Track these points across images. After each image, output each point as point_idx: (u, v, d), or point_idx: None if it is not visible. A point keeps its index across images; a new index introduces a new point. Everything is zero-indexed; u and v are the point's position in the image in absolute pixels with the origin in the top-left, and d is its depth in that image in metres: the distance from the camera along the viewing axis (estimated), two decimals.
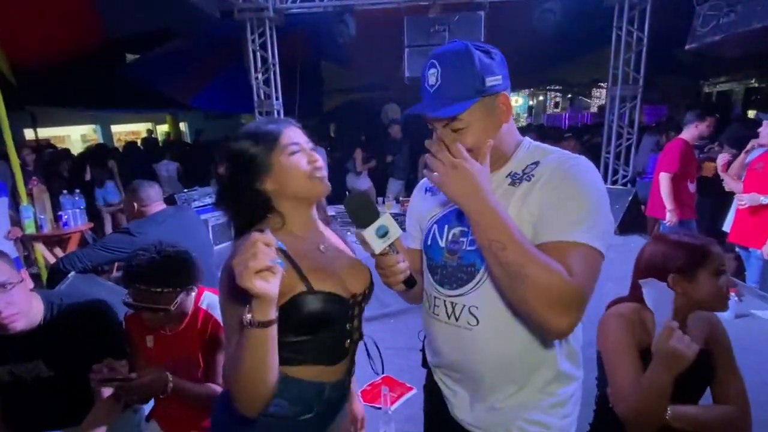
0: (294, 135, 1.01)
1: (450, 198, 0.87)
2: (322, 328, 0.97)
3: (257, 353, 0.80)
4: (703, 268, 1.24)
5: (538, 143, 1.02)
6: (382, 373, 1.16)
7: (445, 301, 1.02)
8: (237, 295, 0.79)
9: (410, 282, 0.98)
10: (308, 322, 0.95)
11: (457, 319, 1.00)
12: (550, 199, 0.88)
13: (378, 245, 0.92)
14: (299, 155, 0.99)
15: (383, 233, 0.92)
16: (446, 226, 1.03)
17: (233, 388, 0.83)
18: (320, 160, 1.02)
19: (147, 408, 1.63)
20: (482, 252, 0.86)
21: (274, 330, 0.80)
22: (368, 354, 1.17)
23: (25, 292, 1.35)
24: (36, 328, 1.38)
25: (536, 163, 0.94)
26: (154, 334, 1.53)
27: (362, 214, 0.92)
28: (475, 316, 0.97)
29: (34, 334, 1.37)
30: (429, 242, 1.06)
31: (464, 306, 0.99)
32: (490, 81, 0.89)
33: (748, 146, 3.33)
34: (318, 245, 1.05)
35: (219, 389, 1.46)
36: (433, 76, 0.92)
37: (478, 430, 1.03)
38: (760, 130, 3.37)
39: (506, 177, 0.97)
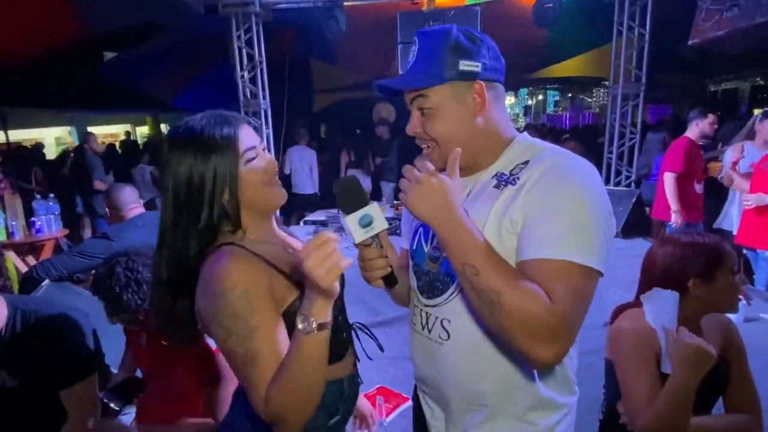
0: (248, 138, 0.94)
1: (417, 218, 0.84)
2: None
3: (318, 357, 0.81)
4: (720, 268, 1.24)
5: (533, 140, 0.96)
6: (383, 351, 1.16)
7: (422, 310, 1.01)
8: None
9: (390, 280, 0.95)
10: None
11: (429, 331, 0.99)
12: (536, 208, 0.82)
13: (359, 234, 0.90)
14: (257, 161, 0.94)
15: (366, 223, 0.90)
16: (431, 231, 0.98)
17: (286, 410, 0.81)
18: (276, 165, 0.99)
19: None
20: (457, 275, 0.83)
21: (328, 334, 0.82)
22: (357, 337, 1.15)
23: None
24: None
25: (526, 163, 0.89)
26: (147, 334, 1.53)
27: (348, 200, 0.90)
28: (446, 330, 0.95)
29: None
30: (415, 246, 1.04)
31: (437, 318, 0.97)
32: (465, 65, 0.87)
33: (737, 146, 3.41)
34: (284, 248, 1.03)
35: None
36: (412, 53, 0.92)
37: None
38: (758, 128, 3.46)
39: (492, 178, 0.92)
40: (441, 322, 0.96)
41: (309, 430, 0.94)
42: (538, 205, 0.82)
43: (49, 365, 1.39)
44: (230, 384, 1.44)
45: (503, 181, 0.90)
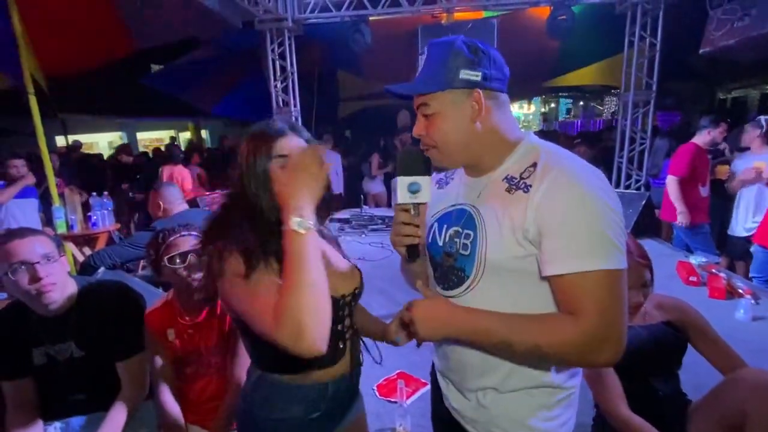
0: (287, 145, 0.97)
1: (430, 341, 0.91)
2: None
3: (316, 252, 0.84)
4: None
5: (538, 141, 0.95)
6: (380, 361, 1.17)
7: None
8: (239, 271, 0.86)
9: (413, 251, 0.97)
10: None
11: None
12: (550, 222, 0.81)
13: (403, 196, 0.93)
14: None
15: (415, 190, 0.92)
16: (445, 225, 1.00)
17: (301, 312, 0.78)
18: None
19: None
20: (472, 271, 0.90)
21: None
22: (366, 348, 1.17)
23: (64, 269, 1.42)
24: (68, 310, 1.43)
25: (534, 166, 0.88)
26: (174, 327, 1.56)
27: (408, 165, 0.94)
28: None
29: (66, 315, 1.43)
30: (430, 239, 1.04)
31: None
32: (465, 74, 0.88)
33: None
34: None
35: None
36: (422, 62, 0.94)
37: (466, 421, 1.01)
38: (745, 135, 3.40)
39: (503, 180, 0.92)
40: None
41: (286, 420, 0.97)
42: (550, 218, 0.81)
43: (111, 337, 1.47)
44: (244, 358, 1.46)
45: (513, 184, 0.89)
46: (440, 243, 1.00)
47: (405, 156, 0.95)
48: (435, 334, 0.89)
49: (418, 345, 0.97)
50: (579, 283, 0.79)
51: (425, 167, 0.95)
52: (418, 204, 0.94)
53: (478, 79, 0.88)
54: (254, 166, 0.95)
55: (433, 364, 1.15)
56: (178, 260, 1.50)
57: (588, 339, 0.78)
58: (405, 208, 0.95)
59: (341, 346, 1.05)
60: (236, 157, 0.99)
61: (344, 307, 1.05)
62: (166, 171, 5.58)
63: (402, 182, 0.93)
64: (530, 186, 0.86)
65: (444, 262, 0.99)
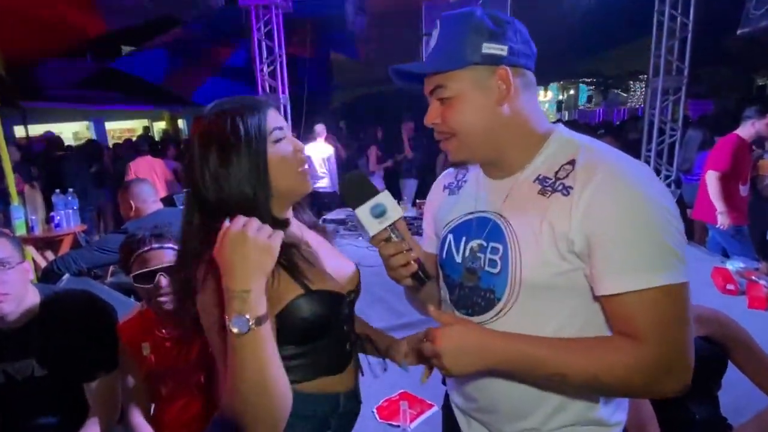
0: (277, 118, 0.94)
1: (461, 376, 0.84)
2: (322, 333, 0.94)
3: (266, 354, 0.75)
4: None
5: (571, 134, 0.90)
6: (385, 370, 1.14)
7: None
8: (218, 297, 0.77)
9: (420, 277, 0.90)
10: (310, 327, 0.91)
11: None
12: (601, 231, 0.76)
13: (373, 226, 0.87)
14: (284, 143, 0.92)
15: (379, 212, 0.87)
16: (464, 238, 0.95)
17: (245, 419, 0.77)
18: (304, 150, 0.97)
19: None
20: (504, 291, 0.85)
21: (269, 329, 0.77)
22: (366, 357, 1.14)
23: (23, 277, 1.40)
24: (29, 324, 1.42)
25: (571, 164, 0.83)
26: (151, 341, 1.55)
27: (356, 192, 0.89)
28: None
29: (27, 329, 1.41)
30: (444, 255, 0.99)
31: None
32: (488, 48, 0.82)
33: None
34: (295, 242, 0.98)
35: None
36: (434, 38, 0.89)
37: None
38: None
39: (534, 182, 0.86)
40: None
41: None
42: (603, 227, 0.76)
43: (77, 355, 1.44)
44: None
45: (548, 186, 0.84)
46: (458, 258, 0.95)
47: (347, 186, 0.90)
48: (469, 368, 0.80)
49: (444, 381, 0.91)
50: (638, 303, 0.75)
51: (371, 185, 0.90)
52: (394, 224, 0.88)
53: (504, 53, 0.83)
54: (240, 152, 0.86)
55: (447, 395, 1.10)
56: (144, 279, 1.42)
57: (652, 367, 0.74)
58: (383, 238, 0.89)
59: (348, 348, 1.02)
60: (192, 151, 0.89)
61: (350, 306, 1.03)
62: (134, 166, 5.57)
63: (363, 212, 0.87)
64: (571, 188, 0.80)
65: (465, 282, 0.93)
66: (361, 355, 1.13)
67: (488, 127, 0.86)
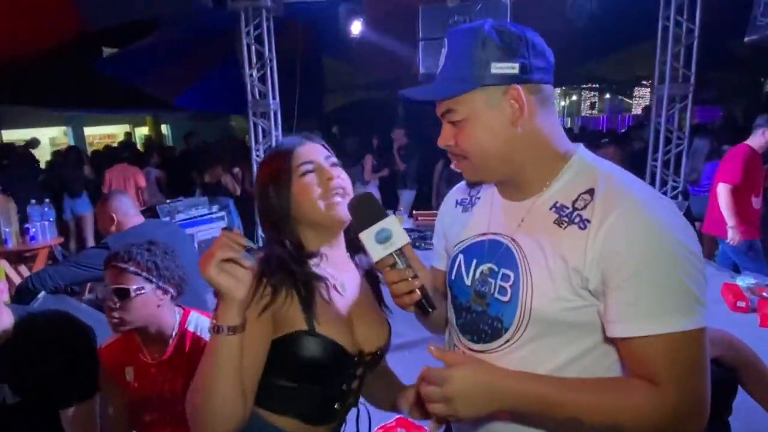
0: (308, 152, 1.04)
1: (470, 419, 0.83)
2: (313, 379, 0.96)
3: (218, 364, 0.85)
4: None
5: (592, 158, 0.91)
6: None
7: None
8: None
9: (423, 306, 0.90)
10: (300, 367, 0.95)
11: None
12: (618, 272, 0.77)
13: (377, 252, 0.87)
14: (311, 176, 1.01)
15: (384, 238, 0.87)
16: (474, 260, 0.95)
17: (190, 407, 0.88)
18: (339, 179, 1.03)
19: None
20: (513, 322, 0.86)
21: (237, 342, 0.85)
22: (357, 422, 1.14)
23: None
24: (2, 348, 1.40)
25: (590, 193, 0.83)
26: (134, 365, 1.54)
27: (362, 215, 0.91)
28: None
29: (0, 353, 1.40)
30: (453, 276, 1.00)
31: None
32: (498, 68, 0.82)
33: None
34: (336, 282, 1.02)
35: None
36: (442, 57, 0.90)
37: None
38: None
39: (551, 209, 0.86)
40: None
41: None
42: (619, 266, 0.77)
43: (53, 380, 1.42)
44: None
45: (565, 216, 0.84)
46: (467, 281, 0.95)
47: (354, 207, 0.94)
48: (481, 411, 0.79)
49: (440, 424, 0.87)
50: (657, 347, 0.75)
51: (379, 207, 0.92)
52: (401, 249, 0.88)
53: (515, 71, 0.83)
54: (273, 193, 1.02)
55: (449, 429, 1.09)
56: (101, 293, 1.51)
57: (672, 413, 0.75)
58: (388, 263, 0.89)
59: (336, 408, 1.03)
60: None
61: (358, 366, 1.02)
62: (109, 174, 5.55)
63: (367, 237, 0.88)
64: (588, 221, 0.81)
65: (472, 306, 0.94)
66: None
67: (503, 149, 0.87)
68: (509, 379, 0.80)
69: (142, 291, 1.45)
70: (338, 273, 1.05)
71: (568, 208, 0.85)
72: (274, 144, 5.14)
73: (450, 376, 0.78)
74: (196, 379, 0.88)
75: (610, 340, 0.82)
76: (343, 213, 0.99)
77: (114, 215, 2.59)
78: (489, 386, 0.79)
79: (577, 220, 0.82)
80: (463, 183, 1.10)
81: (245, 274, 0.83)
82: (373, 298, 1.12)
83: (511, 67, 0.83)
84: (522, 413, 0.82)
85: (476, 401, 0.78)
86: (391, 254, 0.88)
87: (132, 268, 1.46)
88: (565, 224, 0.83)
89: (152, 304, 1.48)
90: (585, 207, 0.83)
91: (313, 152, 1.04)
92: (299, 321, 0.93)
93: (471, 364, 0.82)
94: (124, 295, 1.43)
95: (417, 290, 0.89)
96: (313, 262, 1.02)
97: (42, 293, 2.42)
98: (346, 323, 1.00)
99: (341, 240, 1.09)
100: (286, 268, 0.95)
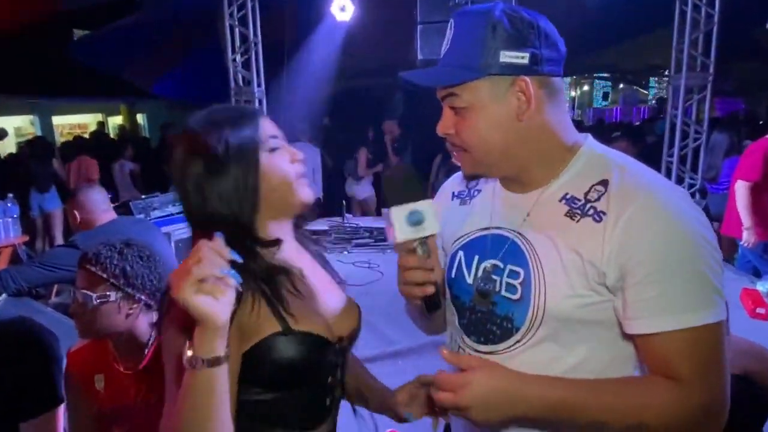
0: (271, 125, 0.97)
1: (492, 426, 0.81)
2: (296, 382, 0.93)
3: (200, 404, 0.76)
4: None
5: (603, 149, 0.92)
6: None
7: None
8: (179, 325, 0.78)
9: (431, 303, 0.91)
10: (283, 372, 0.90)
11: None
12: (638, 267, 0.79)
13: (403, 232, 0.86)
14: (281, 152, 0.95)
15: (416, 221, 0.86)
16: (476, 257, 0.96)
17: None
18: (302, 158, 0.99)
19: None
20: (523, 321, 0.86)
21: (222, 372, 0.76)
22: (354, 410, 1.12)
23: None
24: None
25: (603, 185, 0.85)
26: (105, 373, 1.52)
27: (399, 191, 0.90)
28: None
29: None
30: (453, 274, 1.00)
31: None
32: (507, 56, 0.83)
33: None
34: (296, 270, 0.98)
35: None
36: (447, 40, 0.90)
37: None
38: None
39: (560, 201, 0.88)
40: None
41: None
42: (639, 261, 0.79)
43: (12, 391, 1.42)
44: None
45: (577, 208, 0.85)
46: (469, 279, 0.96)
47: (390, 181, 0.92)
48: (498, 417, 0.79)
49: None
50: (679, 342, 0.78)
51: (420, 188, 0.92)
52: (426, 238, 0.88)
53: (525, 62, 0.83)
54: (229, 165, 0.88)
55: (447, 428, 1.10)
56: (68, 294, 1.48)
57: (697, 410, 0.78)
58: (409, 248, 0.88)
59: (328, 403, 1.01)
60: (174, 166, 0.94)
61: (339, 355, 1.01)
62: (69, 168, 5.52)
63: (397, 214, 0.87)
64: (604, 213, 0.82)
65: (476, 305, 0.95)
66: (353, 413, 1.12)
67: (506, 143, 0.88)
68: (528, 384, 0.81)
69: (107, 299, 1.42)
70: (294, 259, 1.00)
71: (580, 200, 0.86)
72: None
73: (466, 381, 0.79)
74: (171, 419, 0.80)
75: (625, 337, 0.84)
76: (311, 197, 0.97)
77: (77, 212, 2.57)
78: (507, 392, 0.79)
79: (591, 212, 0.84)
80: (459, 174, 1.09)
81: (230, 294, 0.74)
82: (332, 278, 1.10)
83: (521, 57, 0.83)
84: (541, 419, 0.81)
85: (494, 408, 0.78)
86: (416, 239, 0.88)
87: (99, 273, 1.44)
88: (578, 217, 0.84)
89: (119, 313, 1.46)
90: (599, 199, 0.84)
91: (274, 127, 0.98)
92: (270, 323, 0.88)
93: (486, 370, 0.82)
94: (87, 301, 1.41)
95: (432, 285, 0.89)
96: (267, 252, 0.95)
97: (2, 296, 2.41)
98: (318, 310, 0.97)
99: (290, 224, 1.04)
100: (244, 266, 0.80)
